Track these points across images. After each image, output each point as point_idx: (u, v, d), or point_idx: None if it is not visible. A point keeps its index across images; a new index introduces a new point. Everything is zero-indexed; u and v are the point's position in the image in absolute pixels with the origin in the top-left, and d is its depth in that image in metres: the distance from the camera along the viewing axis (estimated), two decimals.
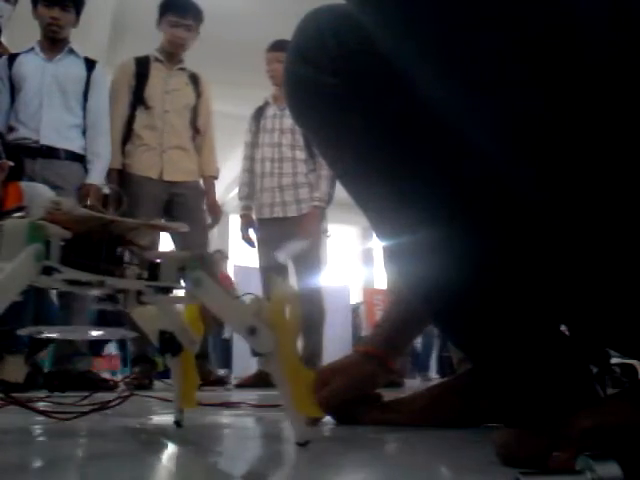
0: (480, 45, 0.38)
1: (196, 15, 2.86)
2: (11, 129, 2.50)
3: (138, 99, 2.80)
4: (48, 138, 2.51)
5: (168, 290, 0.65)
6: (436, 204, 0.55)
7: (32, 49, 2.62)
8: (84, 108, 2.64)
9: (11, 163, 2.24)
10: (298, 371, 0.62)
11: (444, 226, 0.55)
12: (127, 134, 2.79)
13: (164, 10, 2.84)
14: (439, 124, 0.50)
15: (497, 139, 0.43)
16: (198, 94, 2.90)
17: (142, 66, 2.85)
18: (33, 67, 2.58)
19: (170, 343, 0.73)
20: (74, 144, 2.59)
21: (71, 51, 2.67)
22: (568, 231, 0.47)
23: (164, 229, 0.65)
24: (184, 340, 0.73)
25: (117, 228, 0.61)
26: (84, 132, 2.63)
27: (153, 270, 0.64)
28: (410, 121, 0.54)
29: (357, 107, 0.55)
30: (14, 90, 2.55)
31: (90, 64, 2.69)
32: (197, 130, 2.91)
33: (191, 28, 2.84)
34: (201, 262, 0.62)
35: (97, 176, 2.61)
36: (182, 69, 2.90)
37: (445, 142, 0.53)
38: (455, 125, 0.46)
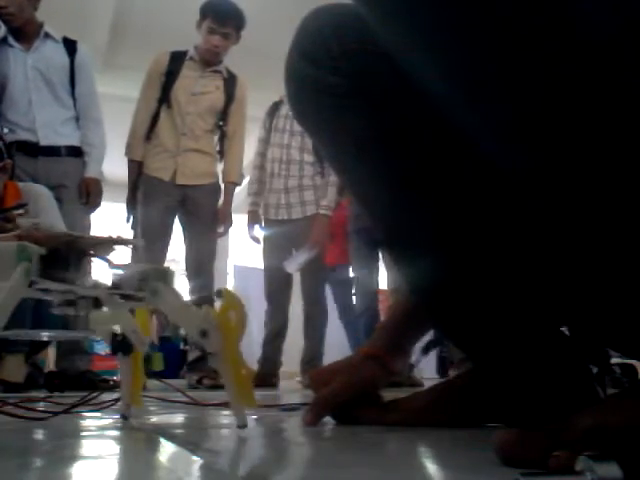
0: (483, 42, 0.38)
1: (237, 23, 2.77)
2: (9, 131, 2.47)
3: (164, 97, 2.76)
4: (47, 138, 2.49)
5: (129, 297, 0.73)
6: (436, 203, 0.55)
7: (4, 39, 2.48)
8: (73, 95, 2.56)
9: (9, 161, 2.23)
10: (240, 368, 0.72)
11: (445, 226, 0.55)
12: (150, 130, 2.77)
13: (204, 14, 2.75)
14: (440, 123, 0.50)
15: (498, 136, 0.43)
16: (230, 97, 2.83)
17: (175, 63, 2.79)
18: (13, 61, 2.47)
19: (122, 344, 0.81)
20: (72, 138, 2.55)
21: (47, 35, 2.55)
22: (568, 231, 0.47)
23: (125, 243, 0.76)
24: (135, 341, 0.81)
25: (82, 243, 0.70)
26: (78, 120, 2.58)
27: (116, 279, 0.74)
28: (410, 120, 0.54)
29: (357, 106, 0.55)
30: None
31: (70, 46, 2.58)
32: (224, 133, 2.85)
33: (229, 36, 2.76)
34: (160, 275, 0.72)
35: (95, 168, 2.58)
36: (217, 71, 2.83)
37: (445, 142, 0.53)
38: (457, 124, 0.46)
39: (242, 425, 0.72)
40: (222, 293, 0.73)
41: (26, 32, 2.51)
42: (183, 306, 0.72)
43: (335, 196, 3.01)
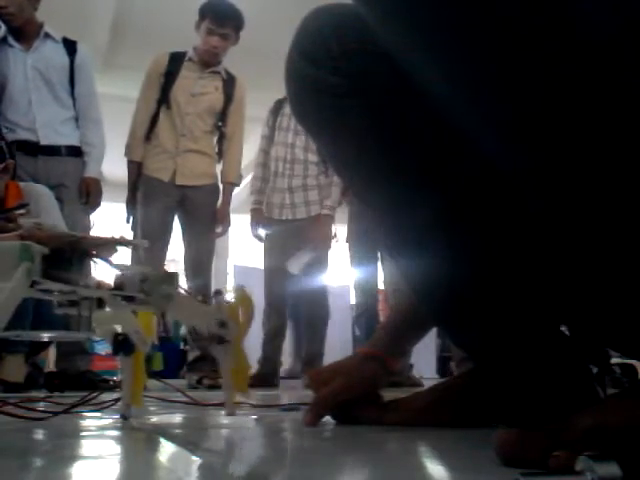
0: (483, 42, 0.38)
1: (235, 23, 2.76)
2: (9, 130, 2.47)
3: (163, 98, 2.76)
4: (47, 138, 2.49)
5: (131, 298, 0.74)
6: (436, 203, 0.55)
7: (4, 39, 2.48)
8: (73, 95, 2.56)
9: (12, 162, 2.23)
10: (241, 360, 0.79)
11: (445, 225, 0.55)
12: (150, 131, 2.76)
13: (203, 15, 2.74)
14: (440, 123, 0.50)
15: (498, 136, 0.43)
16: (229, 98, 2.82)
17: (174, 64, 2.78)
18: (12, 61, 2.47)
19: (123, 344, 0.81)
20: (72, 138, 2.55)
21: (47, 35, 2.55)
22: (569, 231, 0.47)
23: (128, 244, 0.78)
24: (137, 342, 0.81)
25: (85, 244, 0.71)
26: (77, 120, 2.58)
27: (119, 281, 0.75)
28: (410, 120, 0.54)
29: (358, 106, 0.55)
30: None
31: (70, 46, 2.58)
32: (223, 134, 2.85)
33: (228, 37, 2.76)
34: (168, 279, 0.74)
35: (94, 168, 2.58)
36: (216, 72, 2.82)
37: (446, 142, 0.53)
38: (457, 124, 0.46)
39: (230, 413, 0.77)
40: (221, 292, 0.78)
41: (26, 32, 2.51)
42: (197, 305, 0.76)
43: (338, 196, 3.00)
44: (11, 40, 2.49)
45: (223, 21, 2.73)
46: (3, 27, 2.48)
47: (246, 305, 0.78)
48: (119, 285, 0.73)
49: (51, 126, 2.51)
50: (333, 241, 3.16)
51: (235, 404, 1.26)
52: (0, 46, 2.49)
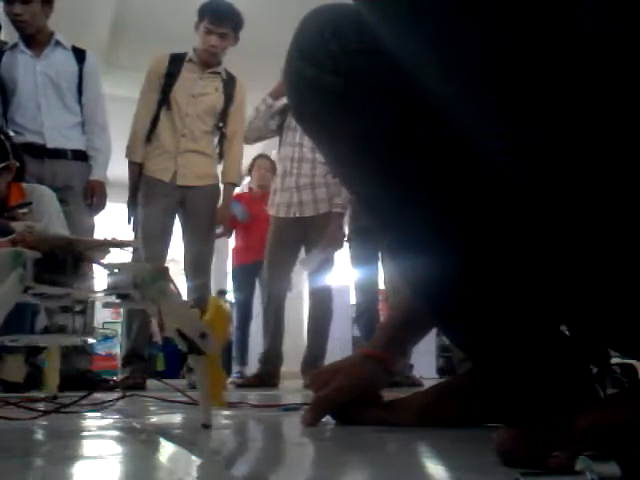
0: (486, 42, 0.38)
1: (233, 23, 2.77)
2: (16, 133, 2.49)
3: (164, 99, 2.77)
4: (54, 141, 2.52)
5: (126, 297, 0.73)
6: (436, 203, 0.55)
7: (16, 45, 2.56)
8: (80, 102, 2.61)
9: (17, 164, 2.24)
10: (217, 370, 0.77)
11: (444, 225, 0.55)
12: (150, 132, 2.77)
13: (201, 15, 2.75)
14: (440, 123, 0.50)
15: (499, 138, 0.43)
16: (229, 99, 2.83)
17: (174, 65, 2.79)
18: (22, 67, 2.53)
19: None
20: (78, 143, 2.59)
21: (58, 43, 2.60)
22: (569, 231, 0.47)
23: (121, 245, 0.77)
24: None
25: (79, 246, 0.71)
26: (84, 126, 2.62)
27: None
28: (410, 120, 0.54)
29: (357, 105, 0.55)
30: (5, 91, 2.52)
31: (79, 55, 2.64)
32: (224, 135, 2.85)
33: (226, 36, 2.76)
34: (164, 274, 0.73)
35: (100, 172, 2.62)
36: (216, 72, 2.83)
37: (445, 142, 0.53)
38: (458, 124, 0.46)
39: (207, 425, 0.75)
40: (225, 292, 0.78)
41: (37, 39, 2.57)
42: (186, 307, 0.74)
43: (348, 194, 2.98)
44: (22, 47, 2.56)
45: (221, 20, 2.74)
46: (15, 34, 2.53)
47: (221, 317, 0.76)
48: (112, 284, 0.72)
49: (58, 130, 2.55)
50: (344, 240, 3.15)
51: (229, 406, 1.26)
52: (11, 52, 2.56)
